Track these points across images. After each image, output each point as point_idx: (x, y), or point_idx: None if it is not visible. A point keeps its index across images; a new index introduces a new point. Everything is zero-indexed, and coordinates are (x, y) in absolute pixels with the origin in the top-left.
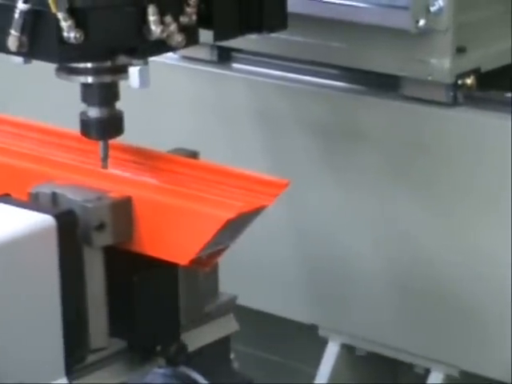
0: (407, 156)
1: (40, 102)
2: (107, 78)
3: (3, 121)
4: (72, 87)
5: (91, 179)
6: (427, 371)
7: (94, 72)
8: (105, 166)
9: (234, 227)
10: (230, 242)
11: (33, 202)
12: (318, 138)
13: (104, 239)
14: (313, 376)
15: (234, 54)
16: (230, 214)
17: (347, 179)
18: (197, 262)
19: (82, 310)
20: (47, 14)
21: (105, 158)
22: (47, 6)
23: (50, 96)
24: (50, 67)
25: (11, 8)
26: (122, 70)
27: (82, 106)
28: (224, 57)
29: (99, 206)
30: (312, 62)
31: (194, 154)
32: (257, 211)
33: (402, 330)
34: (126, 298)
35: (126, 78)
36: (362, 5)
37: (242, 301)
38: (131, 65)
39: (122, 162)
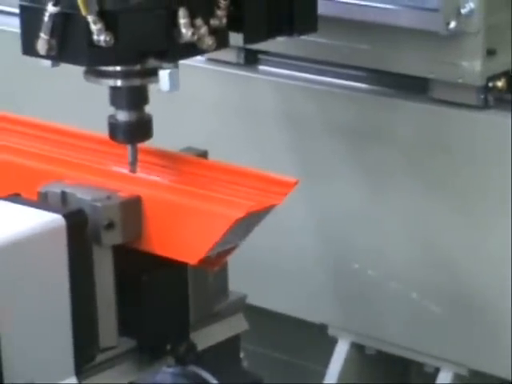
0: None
1: (49, 101)
2: (136, 82)
3: (13, 121)
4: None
5: (101, 178)
6: (437, 370)
7: (123, 75)
8: (133, 171)
9: (244, 226)
10: (239, 241)
11: (42, 202)
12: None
13: (113, 238)
14: (322, 375)
15: (261, 57)
16: (240, 214)
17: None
18: (206, 262)
19: (92, 309)
20: (77, 17)
21: (134, 162)
22: (77, 8)
23: (59, 95)
24: (59, 67)
25: (41, 11)
26: (152, 74)
27: (92, 105)
28: (251, 59)
29: (108, 205)
30: (339, 64)
31: (203, 154)
32: (266, 210)
33: (411, 329)
34: (135, 297)
35: (156, 81)
36: (391, 7)
37: (251, 300)
38: (161, 68)
39: None
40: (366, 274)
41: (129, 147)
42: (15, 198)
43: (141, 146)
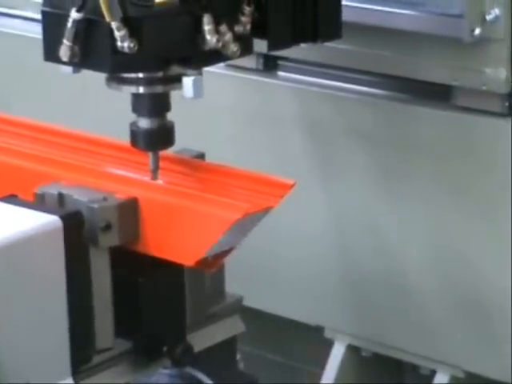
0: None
1: (45, 102)
2: (159, 89)
3: (8, 122)
4: (78, 87)
5: (97, 180)
6: (433, 372)
7: (145, 82)
8: (155, 178)
9: (240, 228)
10: (236, 243)
11: (39, 203)
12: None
13: (110, 240)
14: (318, 377)
15: (281, 63)
16: (236, 215)
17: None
18: (203, 263)
19: (88, 310)
20: (100, 23)
21: (155, 170)
22: (101, 15)
23: (55, 96)
24: (53, 67)
25: (64, 17)
26: (175, 80)
27: (88, 106)
28: (270, 65)
29: (105, 207)
30: (360, 71)
31: (200, 155)
32: (263, 212)
33: (407, 332)
34: (131, 298)
35: (179, 88)
36: (415, 13)
37: (248, 302)
38: (185, 75)
39: (128, 162)
40: (363, 276)
41: (150, 155)
42: (12, 199)
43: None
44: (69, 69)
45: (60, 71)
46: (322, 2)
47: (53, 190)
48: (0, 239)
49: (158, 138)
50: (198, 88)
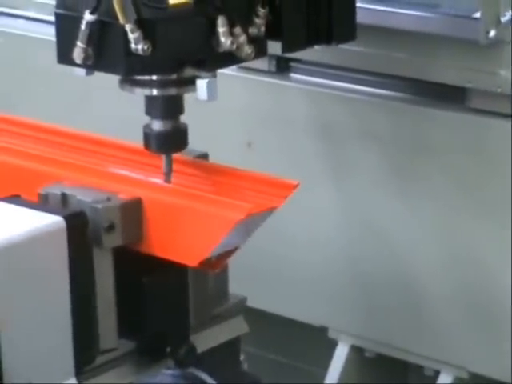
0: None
1: (48, 102)
2: (173, 91)
3: (12, 122)
4: (81, 87)
5: (101, 180)
6: (436, 373)
7: (159, 84)
8: (168, 181)
9: (244, 229)
10: (239, 244)
11: (43, 203)
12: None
13: (114, 240)
14: (322, 378)
15: (293, 65)
16: (240, 216)
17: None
18: (206, 264)
19: (92, 311)
20: (114, 26)
21: (168, 173)
22: (115, 17)
23: (59, 96)
24: (57, 67)
25: (77, 19)
26: (189, 83)
27: (91, 106)
28: (282, 67)
29: (109, 207)
30: (373, 73)
31: (203, 155)
32: (267, 212)
33: (411, 332)
34: (135, 299)
35: (193, 90)
36: (429, 15)
37: (251, 302)
38: (199, 77)
39: (131, 163)
40: (366, 277)
41: (163, 157)
42: (15, 199)
43: (141, 147)
44: (82, 71)
45: (73, 73)
46: (336, 4)
47: (56, 190)
48: (4, 239)
49: (172, 140)
50: (212, 90)
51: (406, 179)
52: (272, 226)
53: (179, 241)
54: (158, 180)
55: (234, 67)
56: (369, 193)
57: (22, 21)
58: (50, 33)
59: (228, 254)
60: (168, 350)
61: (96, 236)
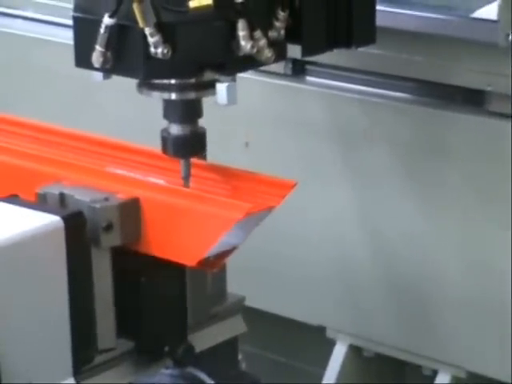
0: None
1: (47, 102)
2: (191, 95)
3: (11, 122)
4: (79, 88)
5: (99, 180)
6: (434, 373)
7: (178, 88)
8: (187, 185)
9: (242, 228)
10: (237, 243)
11: (41, 203)
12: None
13: (112, 240)
14: (320, 377)
15: (309, 67)
16: (238, 215)
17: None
18: (204, 263)
19: (90, 310)
20: (134, 29)
21: (187, 177)
22: (134, 20)
23: (57, 97)
24: (55, 67)
25: (97, 23)
26: (207, 86)
27: (89, 106)
28: (298, 70)
29: (107, 207)
30: (390, 76)
31: (202, 156)
32: (265, 212)
33: (409, 332)
34: (133, 298)
35: (212, 94)
36: (448, 18)
37: (249, 302)
38: (219, 81)
39: (129, 162)
40: (364, 276)
41: (182, 162)
42: (14, 199)
43: (140, 147)
44: (99, 76)
45: (91, 78)
46: (356, 8)
47: (54, 190)
48: (2, 239)
49: (190, 144)
50: (231, 94)
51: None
52: (270, 226)
53: (177, 240)
54: (156, 180)
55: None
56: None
57: (19, 21)
58: (47, 33)
59: (226, 253)
60: (166, 349)
61: (94, 236)
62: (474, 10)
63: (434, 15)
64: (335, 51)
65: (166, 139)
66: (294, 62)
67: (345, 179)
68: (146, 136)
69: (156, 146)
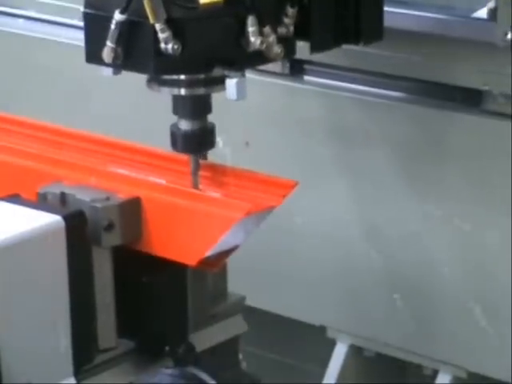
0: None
1: (47, 101)
2: (201, 90)
3: (11, 121)
4: (80, 86)
5: (100, 179)
6: (435, 372)
7: (187, 84)
8: (195, 181)
9: (243, 228)
10: (238, 243)
11: (41, 203)
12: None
13: (113, 239)
14: (321, 377)
15: (307, 67)
16: (239, 215)
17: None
18: (205, 263)
19: (91, 310)
20: (144, 25)
21: (195, 173)
22: (145, 16)
23: (58, 95)
24: (56, 67)
25: (108, 19)
26: (217, 82)
27: (90, 105)
28: (296, 69)
29: (108, 206)
30: (388, 75)
31: (203, 156)
32: (266, 212)
33: (410, 332)
34: (134, 298)
35: (221, 89)
36: (446, 17)
37: (250, 302)
38: (228, 77)
39: (130, 162)
40: (365, 276)
41: (191, 158)
42: (14, 198)
43: (140, 146)
44: (109, 71)
45: (101, 73)
46: (364, 4)
47: (55, 189)
48: (2, 239)
49: (199, 140)
50: (241, 90)
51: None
52: (272, 225)
53: (178, 240)
54: (157, 179)
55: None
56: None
57: (21, 20)
58: (49, 32)
59: (227, 253)
60: (167, 349)
61: (95, 235)
62: (475, 10)
63: (431, 15)
64: (332, 50)
65: (175, 134)
66: (292, 61)
67: (342, 178)
68: (146, 135)
69: (157, 146)
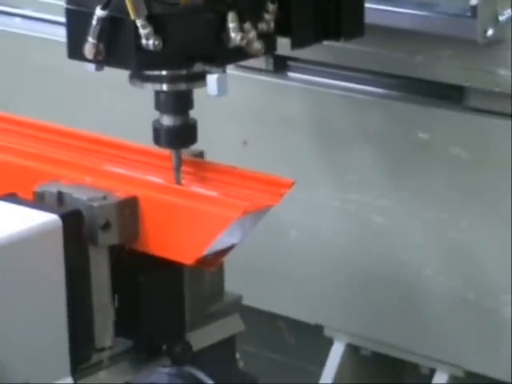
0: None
1: (45, 101)
2: (182, 86)
3: (9, 120)
4: (78, 86)
5: (97, 178)
6: (432, 371)
7: (169, 80)
8: (178, 176)
9: (240, 227)
10: (235, 242)
11: (38, 202)
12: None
13: (110, 238)
14: (318, 376)
15: (290, 63)
16: (236, 214)
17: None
18: (202, 262)
19: (88, 309)
20: (125, 21)
21: (178, 168)
22: (126, 12)
23: (56, 94)
24: (54, 66)
25: (89, 15)
26: (198, 78)
27: (88, 104)
28: (280, 66)
29: (105, 205)
30: (371, 72)
31: (199, 154)
32: (263, 211)
33: (407, 330)
34: (131, 297)
35: (202, 85)
36: (426, 14)
37: (247, 301)
38: (209, 72)
39: (127, 161)
40: (362, 275)
41: (173, 152)
42: (11, 197)
43: (138, 145)
44: (92, 66)
45: (85, 68)
46: (345, 1)
47: (52, 188)
48: None
49: (181, 135)
50: (222, 86)
51: (404, 178)
52: (268, 225)
53: (175, 239)
54: (155, 178)
55: (231, 66)
56: (366, 191)
57: (18, 19)
58: (46, 31)
59: (224, 252)
60: (164, 348)
61: (92, 234)
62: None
63: (413, 11)
64: (316, 47)
65: (158, 130)
66: (276, 57)
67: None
68: (144, 134)
69: (154, 145)
